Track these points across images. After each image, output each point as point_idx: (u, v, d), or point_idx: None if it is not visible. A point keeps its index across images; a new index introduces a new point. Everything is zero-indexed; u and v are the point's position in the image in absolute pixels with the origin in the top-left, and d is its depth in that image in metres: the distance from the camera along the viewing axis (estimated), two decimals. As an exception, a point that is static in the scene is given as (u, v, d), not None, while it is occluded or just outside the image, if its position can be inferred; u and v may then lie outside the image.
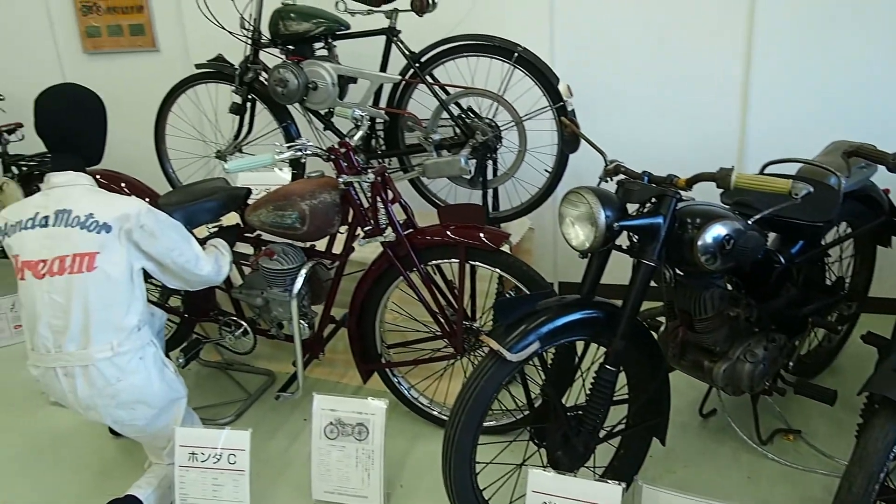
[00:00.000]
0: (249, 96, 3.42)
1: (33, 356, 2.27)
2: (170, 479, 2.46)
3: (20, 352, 3.69)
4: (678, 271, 2.13)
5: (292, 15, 3.14)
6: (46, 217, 2.18)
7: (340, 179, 2.48)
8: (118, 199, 2.23)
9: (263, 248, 2.69)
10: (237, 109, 3.45)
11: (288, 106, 3.39)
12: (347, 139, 2.53)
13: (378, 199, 2.50)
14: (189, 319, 3.02)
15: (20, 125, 4.06)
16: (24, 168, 3.90)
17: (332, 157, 2.48)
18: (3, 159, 4.00)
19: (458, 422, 1.93)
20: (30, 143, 4.09)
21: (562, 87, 2.89)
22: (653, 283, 2.03)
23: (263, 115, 3.49)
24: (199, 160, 4.03)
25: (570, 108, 2.91)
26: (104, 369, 2.22)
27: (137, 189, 2.93)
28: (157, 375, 2.34)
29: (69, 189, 2.21)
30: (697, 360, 2.34)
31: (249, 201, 2.80)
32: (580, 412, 2.08)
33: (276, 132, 3.48)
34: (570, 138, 2.42)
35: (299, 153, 2.37)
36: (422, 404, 2.82)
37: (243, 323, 2.89)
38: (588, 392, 2.05)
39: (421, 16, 3.02)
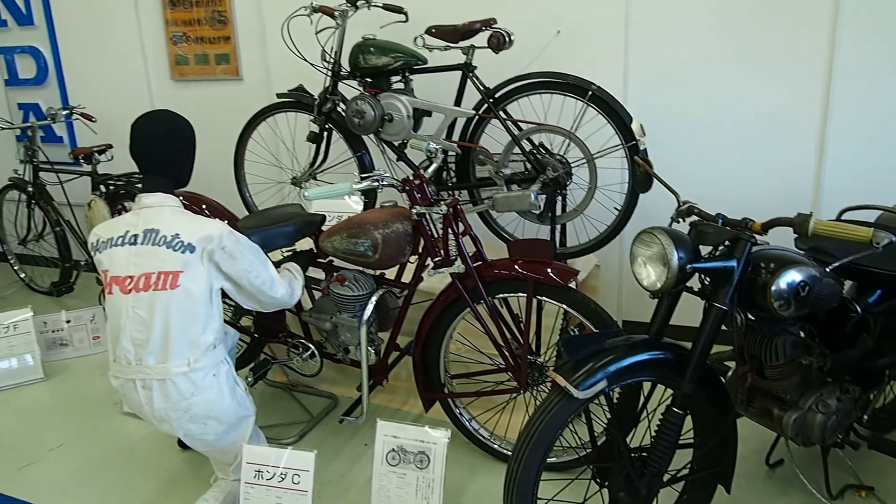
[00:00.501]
0: (327, 126, 3.54)
1: (115, 367, 2.37)
2: (234, 495, 2.53)
3: (98, 362, 3.88)
4: (750, 316, 2.11)
5: (372, 49, 3.25)
6: (136, 235, 2.29)
7: (414, 210, 2.53)
8: (202, 221, 2.33)
9: (335, 273, 2.76)
10: (314, 138, 3.56)
11: (363, 136, 3.49)
12: (421, 171, 2.58)
13: (449, 230, 2.54)
14: (259, 340, 3.11)
15: (110, 146, 4.27)
16: (112, 187, 4.10)
17: (407, 188, 2.54)
18: (92, 178, 4.21)
19: (521, 457, 1.94)
20: (117, 164, 4.30)
21: (635, 126, 2.90)
22: (723, 327, 2.01)
23: (338, 145, 3.60)
24: (273, 185, 4.17)
25: (642, 148, 2.92)
26: (180, 384, 2.30)
27: (217, 211, 3.05)
28: (229, 393, 2.42)
29: (158, 210, 2.32)
30: (766, 407, 2.29)
31: (324, 228, 2.88)
32: (644, 454, 2.06)
33: (350, 161, 3.58)
34: (642, 178, 2.42)
35: (376, 184, 2.44)
36: (482, 436, 2.83)
37: (311, 346, 2.96)
38: (654, 434, 2.03)
39: (497, 53, 3.08)
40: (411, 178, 2.56)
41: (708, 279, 2.04)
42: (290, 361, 3.04)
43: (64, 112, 4.49)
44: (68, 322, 3.91)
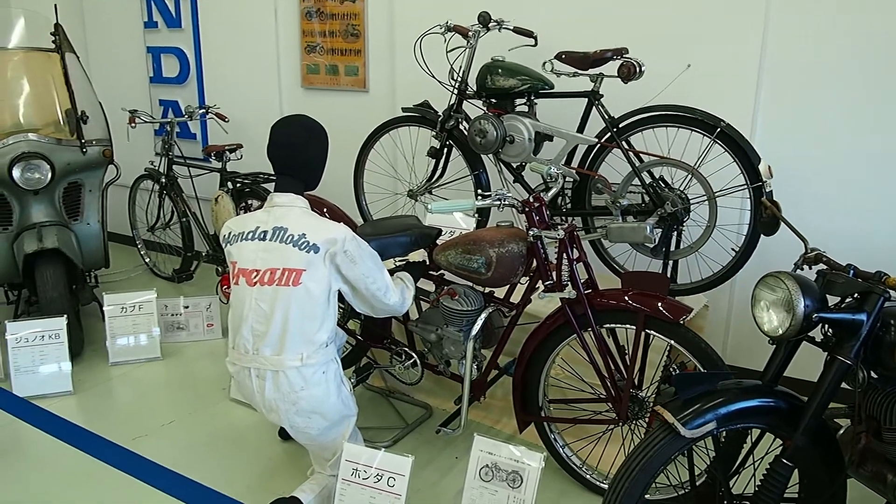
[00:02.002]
0: (448, 142, 3.62)
1: (233, 354, 2.50)
2: (330, 490, 2.60)
3: (210, 348, 4.08)
4: (873, 374, 2.02)
5: (500, 70, 3.31)
6: (265, 232, 2.42)
7: (531, 232, 2.56)
8: (329, 223, 2.43)
9: (446, 287, 2.82)
10: (435, 153, 3.66)
11: (482, 155, 3.55)
12: (541, 195, 2.61)
13: (564, 255, 2.55)
14: (364, 344, 3.20)
15: (240, 146, 4.51)
16: (238, 184, 4.33)
17: (526, 209, 2.57)
18: (221, 174, 4.46)
19: (620, 490, 1.92)
20: (245, 163, 4.54)
21: (762, 167, 2.84)
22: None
23: (456, 162, 3.67)
24: (388, 196, 4.29)
25: (768, 189, 2.85)
26: (291, 377, 2.41)
27: (337, 216, 3.17)
28: (335, 391, 2.51)
29: (288, 209, 2.44)
30: (880, 471, 2.17)
31: (438, 241, 2.95)
32: (747, 502, 2.01)
33: (466, 179, 3.65)
34: (768, 220, 2.36)
35: (497, 202, 2.48)
36: (573, 464, 2.81)
37: (414, 355, 3.03)
38: (758, 484, 1.97)
39: (626, 83, 3.08)
40: (531, 200, 2.59)
41: (832, 331, 1.97)
42: (392, 368, 3.11)
43: (200, 111, 4.78)
44: (186, 307, 4.14)
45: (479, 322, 2.68)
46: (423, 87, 4.07)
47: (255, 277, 2.40)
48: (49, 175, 3.82)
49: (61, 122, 4.02)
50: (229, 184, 4.39)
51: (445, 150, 3.67)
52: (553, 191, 2.68)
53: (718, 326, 3.66)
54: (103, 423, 3.27)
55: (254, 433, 3.22)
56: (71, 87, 4.07)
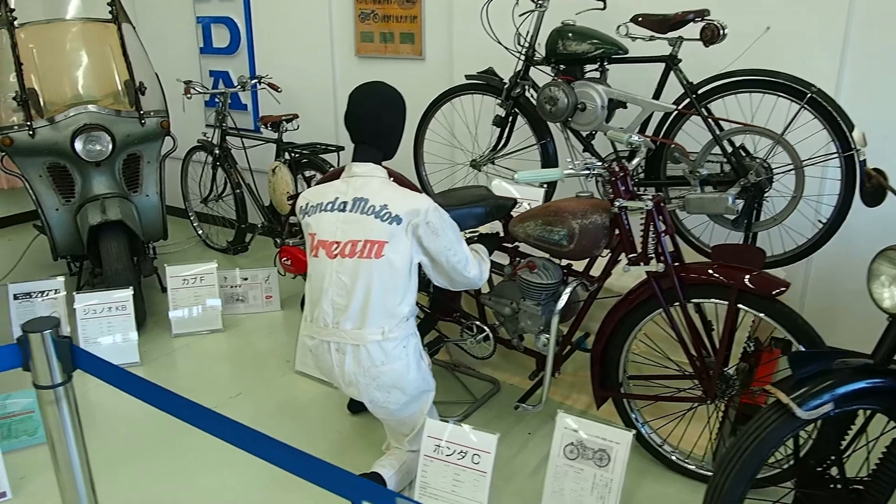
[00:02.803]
0: (513, 110, 3.52)
1: (311, 327, 2.45)
2: (408, 466, 2.57)
3: (268, 320, 4.07)
4: None
5: (572, 35, 3.19)
6: (345, 203, 2.36)
7: (617, 203, 2.47)
8: (410, 194, 2.36)
9: (525, 259, 2.74)
10: (500, 122, 3.56)
11: (548, 124, 3.45)
12: (625, 164, 2.51)
13: (650, 227, 2.46)
14: (432, 317, 3.15)
15: (297, 116, 4.44)
16: (295, 154, 4.26)
17: (613, 179, 2.48)
18: (277, 145, 4.40)
19: (730, 471, 1.84)
20: (301, 133, 4.48)
21: (856, 135, 2.70)
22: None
23: (520, 131, 3.57)
24: (448, 166, 4.21)
25: (861, 158, 2.71)
26: (373, 351, 2.36)
27: (404, 185, 3.09)
28: (415, 365, 2.46)
29: (368, 179, 2.37)
30: None
31: (513, 212, 2.87)
32: (860, 486, 1.92)
33: (531, 149, 3.55)
34: (873, 191, 2.24)
35: (586, 172, 2.39)
36: (654, 442, 2.74)
37: (486, 328, 2.96)
38: (874, 466, 1.88)
39: (707, 46, 2.94)
40: (616, 169, 2.49)
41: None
42: (462, 341, 3.05)
43: (253, 81, 4.71)
44: (245, 279, 4.12)
45: (565, 296, 2.60)
46: (481, 55, 3.97)
47: (335, 250, 2.34)
48: (110, 147, 3.80)
49: (120, 94, 3.99)
50: (286, 154, 4.33)
51: (511, 118, 3.56)
52: (637, 160, 2.58)
53: (792, 303, 3.54)
54: (171, 396, 3.27)
55: (321, 406, 3.20)
56: (128, 58, 4.03)
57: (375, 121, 2.38)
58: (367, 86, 2.45)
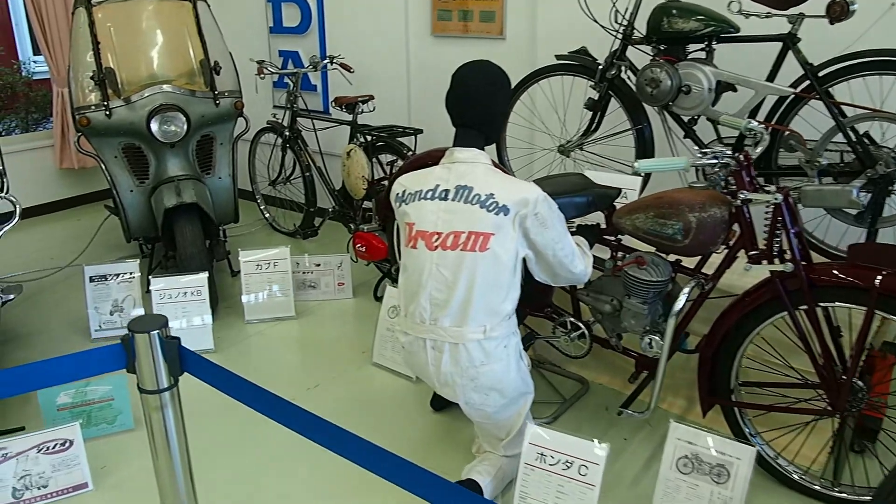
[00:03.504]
0: (608, 93, 3.30)
1: (406, 323, 2.31)
2: (504, 471, 2.42)
3: (341, 308, 3.94)
4: None
5: (678, 12, 2.96)
6: (447, 191, 2.19)
7: (741, 195, 2.25)
8: (518, 182, 2.18)
9: (633, 254, 2.55)
10: (593, 105, 3.35)
11: (645, 107, 3.23)
12: (749, 153, 2.29)
13: (776, 223, 2.24)
14: (522, 311, 2.97)
15: (372, 97, 4.28)
16: (370, 137, 4.11)
17: (737, 169, 2.26)
18: (352, 127, 4.24)
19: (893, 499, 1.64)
20: (376, 115, 4.32)
21: None
22: None
23: (611, 116, 3.37)
24: (529, 151, 4.01)
25: None
26: (472, 350, 2.20)
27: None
28: (515, 366, 2.29)
29: (472, 166, 2.20)
30: None
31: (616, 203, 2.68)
32: None
33: (624, 134, 3.34)
34: None
35: (714, 161, 2.19)
36: (767, 455, 2.53)
37: (581, 325, 2.78)
38: None
39: (833, 24, 2.69)
40: (740, 158, 2.28)
41: None
42: (555, 339, 2.88)
43: (324, 61, 4.57)
44: (318, 265, 4.00)
45: (684, 297, 2.39)
46: (566, 34, 3.76)
47: (436, 241, 2.18)
48: (185, 127, 3.71)
49: (195, 73, 3.88)
50: (360, 137, 4.18)
51: (604, 101, 3.35)
52: (759, 148, 2.35)
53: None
54: (248, 386, 3.18)
55: (402, 401, 3.06)
56: (203, 37, 3.93)
57: (483, 104, 2.21)
58: (474, 65, 2.27)
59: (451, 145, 2.28)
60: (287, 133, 4.68)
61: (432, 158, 3.05)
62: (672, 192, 2.44)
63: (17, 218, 2.82)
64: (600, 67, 3.27)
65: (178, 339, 1.42)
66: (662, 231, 2.38)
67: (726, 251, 2.45)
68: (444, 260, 2.17)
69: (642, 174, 3.08)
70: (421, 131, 3.99)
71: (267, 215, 5.22)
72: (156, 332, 1.35)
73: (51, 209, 5.70)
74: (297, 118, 4.67)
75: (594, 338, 2.80)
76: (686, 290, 2.40)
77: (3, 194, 2.83)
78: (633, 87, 3.14)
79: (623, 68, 3.23)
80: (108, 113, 3.64)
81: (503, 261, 2.15)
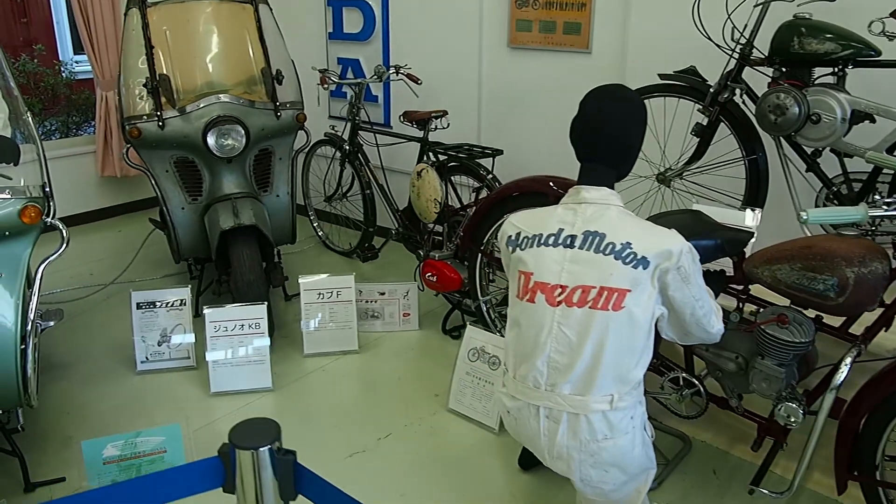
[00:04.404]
0: (719, 118, 2.97)
1: (514, 385, 1.99)
2: (619, 557, 2.09)
3: (406, 341, 3.63)
4: None
5: (808, 30, 2.63)
6: (572, 237, 1.88)
7: (917, 251, 1.93)
8: (658, 230, 1.87)
9: (773, 310, 2.22)
10: (702, 131, 3.02)
11: (759, 136, 2.90)
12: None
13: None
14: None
15: (446, 112, 3.96)
16: (443, 157, 3.79)
17: (910, 218, 1.93)
18: (422, 145, 3.92)
19: None
20: (442, 132, 4.01)
21: None
22: None
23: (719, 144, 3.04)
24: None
25: None
26: (595, 422, 1.88)
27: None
28: (640, 440, 1.97)
29: (604, 209, 1.89)
30: None
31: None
32: None
33: (734, 163, 3.01)
34: None
35: (897, 213, 1.86)
36: (918, 545, 2.19)
37: (696, 383, 2.46)
38: None
39: None
40: (918, 205, 1.94)
41: None
42: (664, 395, 2.55)
43: (390, 71, 4.27)
44: (382, 294, 3.71)
45: (845, 368, 2.06)
46: (659, 50, 3.44)
47: (559, 296, 1.87)
48: (244, 141, 3.43)
49: (256, 82, 3.61)
50: (433, 156, 3.87)
51: (713, 127, 3.02)
52: (929, 193, 2.02)
53: None
54: (313, 434, 2.89)
55: (485, 457, 2.75)
56: (265, 43, 3.66)
57: (619, 137, 1.89)
58: (608, 90, 1.96)
59: (577, 182, 1.97)
60: (347, 147, 4.39)
61: (540, 187, 2.78)
62: (822, 241, 2.11)
63: (65, 245, 2.54)
64: (711, 90, 2.95)
65: (293, 453, 1.10)
66: (811, 286, 2.06)
67: (882, 311, 2.11)
68: (568, 319, 1.86)
69: (809, 225, 2.74)
70: (501, 152, 3.66)
71: (320, 233, 4.93)
72: (265, 448, 1.04)
73: (91, 218, 5.45)
74: (359, 131, 4.38)
75: (712, 397, 2.47)
76: (848, 360, 2.07)
77: (49, 219, 2.53)
78: (750, 113, 2.82)
79: (739, 91, 2.90)
80: (160, 124, 3.38)
81: (639, 321, 1.83)
